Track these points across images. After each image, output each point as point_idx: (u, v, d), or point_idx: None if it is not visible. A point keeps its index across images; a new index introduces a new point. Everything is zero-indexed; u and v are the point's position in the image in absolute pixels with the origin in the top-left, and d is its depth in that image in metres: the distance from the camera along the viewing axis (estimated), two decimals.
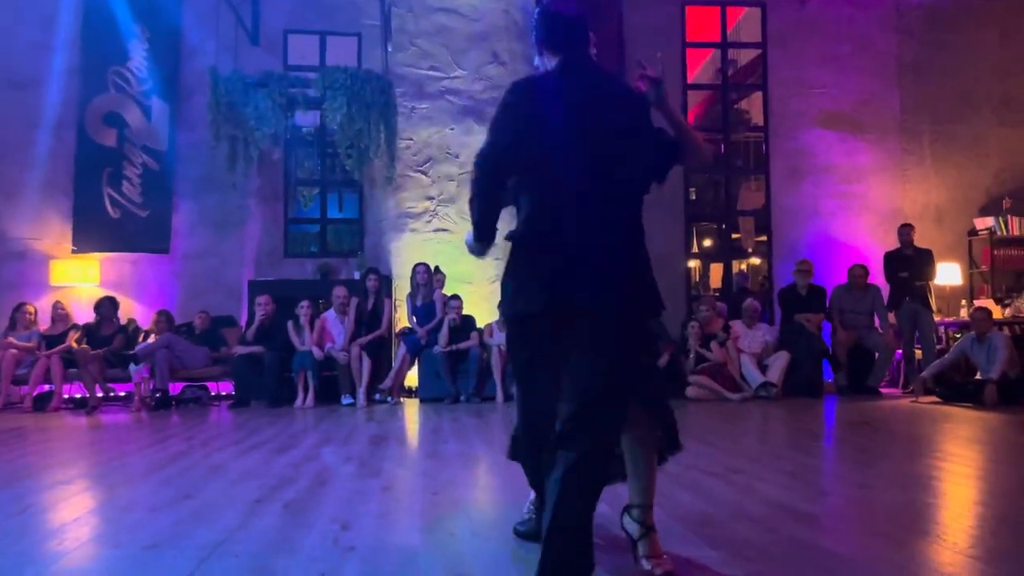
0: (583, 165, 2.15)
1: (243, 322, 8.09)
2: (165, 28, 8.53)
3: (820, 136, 9.11)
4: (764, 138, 9.29)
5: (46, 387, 7.47)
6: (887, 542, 2.63)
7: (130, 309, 8.24)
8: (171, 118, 8.51)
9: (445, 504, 3.22)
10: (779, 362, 7.65)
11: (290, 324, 7.70)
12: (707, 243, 11.67)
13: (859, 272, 8.16)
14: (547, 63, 2.32)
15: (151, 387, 7.41)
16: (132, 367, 7.41)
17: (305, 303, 7.74)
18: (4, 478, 3.85)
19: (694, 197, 9.38)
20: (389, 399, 7.60)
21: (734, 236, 9.76)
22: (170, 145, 8.49)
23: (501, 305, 2.32)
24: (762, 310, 8.43)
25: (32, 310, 7.71)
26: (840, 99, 9.14)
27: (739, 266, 10.56)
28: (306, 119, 8.61)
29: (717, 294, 9.69)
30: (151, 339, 7.59)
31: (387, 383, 7.67)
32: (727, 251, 9.81)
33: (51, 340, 7.60)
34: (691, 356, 7.70)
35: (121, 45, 8.44)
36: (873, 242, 8.85)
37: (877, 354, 7.94)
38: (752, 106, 10.21)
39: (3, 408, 7.21)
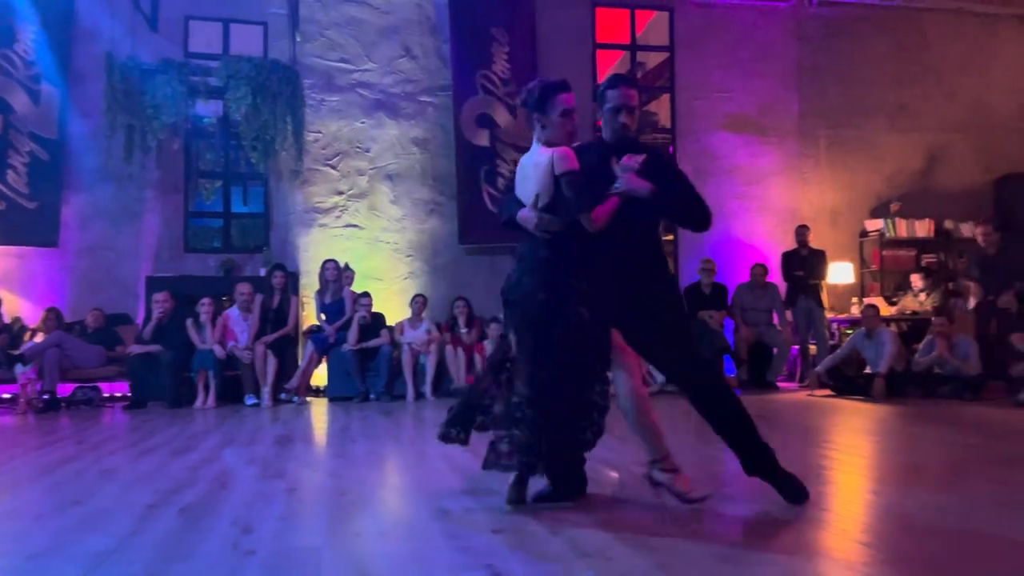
0: None
1: (140, 320, 7.74)
2: (57, 10, 8.08)
3: (724, 139, 9.41)
4: (671, 140, 9.52)
5: None
6: (782, 528, 2.73)
7: (16, 306, 7.77)
8: (62, 105, 8.05)
9: (352, 505, 3.16)
10: None
11: (190, 322, 7.41)
12: None
13: (759, 271, 8.47)
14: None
15: (38, 388, 6.99)
16: (18, 368, 6.98)
17: (207, 300, 7.47)
18: None
19: None
20: (295, 399, 7.42)
21: None
22: (61, 133, 8.04)
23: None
24: None
25: None
26: (743, 103, 9.47)
27: None
28: (208, 109, 8.31)
29: None
30: (38, 338, 7.17)
31: (293, 382, 7.49)
32: None
33: None
34: None
35: (8, 26, 7.94)
36: (772, 242, 9.20)
37: (775, 350, 8.27)
38: (661, 108, 10.44)
39: None
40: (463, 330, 8.04)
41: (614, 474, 3.62)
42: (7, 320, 7.47)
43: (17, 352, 7.08)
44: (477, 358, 7.77)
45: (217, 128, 8.49)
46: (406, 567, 2.32)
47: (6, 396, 7.38)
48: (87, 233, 8.14)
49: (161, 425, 5.85)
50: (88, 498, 3.26)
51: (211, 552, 2.47)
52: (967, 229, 9.55)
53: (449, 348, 7.80)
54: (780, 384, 8.22)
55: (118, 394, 7.65)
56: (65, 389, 7.25)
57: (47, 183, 7.98)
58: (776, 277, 8.65)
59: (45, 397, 6.91)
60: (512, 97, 8.88)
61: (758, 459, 3.10)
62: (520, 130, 8.85)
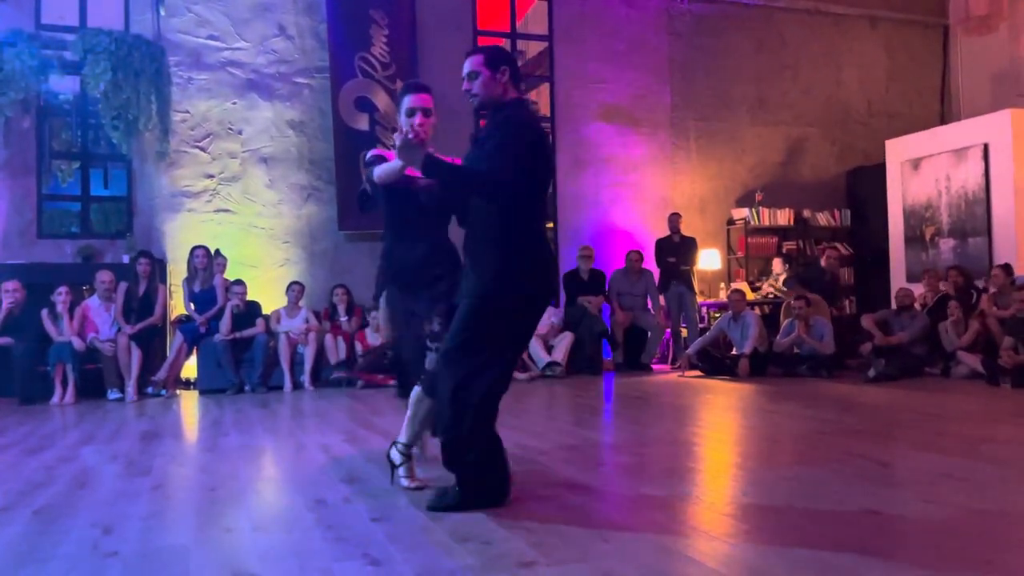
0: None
1: None
2: None
3: (600, 128, 9.62)
4: (551, 129, 9.65)
5: None
6: (655, 505, 2.84)
7: None
8: None
9: (223, 500, 3.05)
10: (564, 342, 8.03)
11: (45, 312, 6.92)
12: None
13: (635, 257, 8.74)
14: (507, 91, 2.93)
15: None
16: None
17: (63, 289, 6.99)
18: None
19: None
20: (163, 392, 7.08)
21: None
22: None
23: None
24: None
25: None
26: (618, 93, 9.71)
27: None
28: (63, 85, 7.75)
29: None
30: None
31: (161, 375, 7.14)
32: None
33: None
34: None
35: None
36: (647, 229, 9.51)
37: (649, 333, 8.58)
38: (540, 97, 10.56)
39: None
40: (343, 318, 7.89)
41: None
42: None
43: None
44: (358, 346, 7.65)
45: (73, 105, 7.93)
46: (281, 560, 2.26)
47: None
48: None
49: (12, 423, 5.45)
50: None
51: (69, 555, 2.33)
52: (823, 218, 10.22)
53: (329, 337, 7.64)
54: (654, 366, 8.54)
55: None
56: None
57: None
58: (651, 263, 8.96)
59: None
60: (392, 81, 8.75)
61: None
62: None
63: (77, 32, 7.67)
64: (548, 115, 9.65)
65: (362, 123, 8.64)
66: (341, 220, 8.58)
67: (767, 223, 9.85)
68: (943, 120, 10.74)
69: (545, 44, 9.77)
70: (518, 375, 7.66)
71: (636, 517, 2.71)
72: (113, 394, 6.82)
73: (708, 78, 10.04)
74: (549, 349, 8.03)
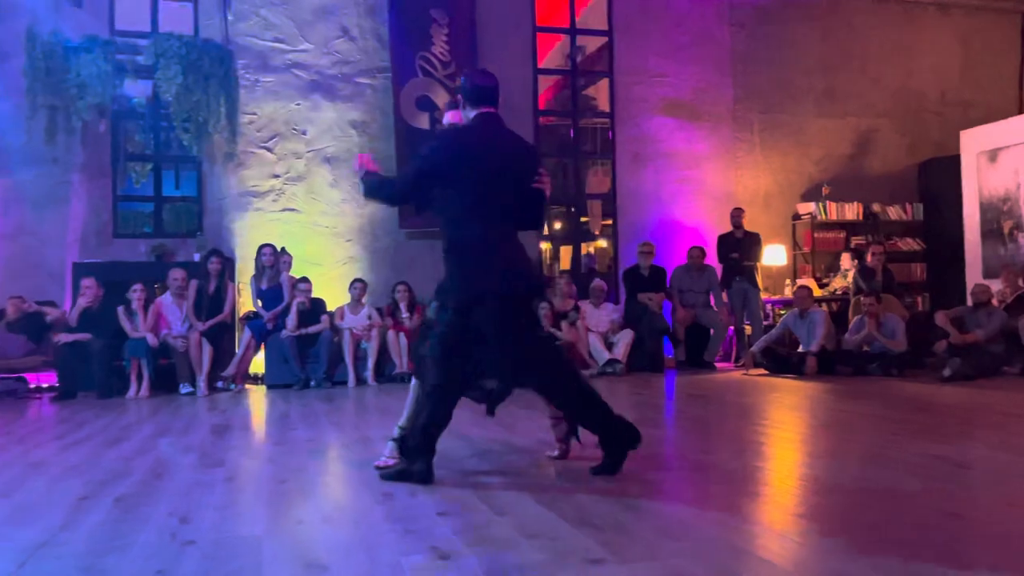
0: (492, 194, 3.15)
1: (67, 308, 7.46)
2: None
3: (661, 123, 9.51)
4: (610, 124, 9.59)
5: None
6: (722, 504, 2.80)
7: None
8: None
9: (293, 492, 3.12)
10: (624, 340, 7.97)
11: (121, 309, 7.18)
12: (557, 226, 11.93)
13: (696, 253, 8.62)
14: (468, 113, 3.27)
15: None
16: None
17: (138, 286, 7.24)
18: None
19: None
20: (232, 386, 7.27)
21: (583, 219, 10.04)
22: None
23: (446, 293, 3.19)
24: (608, 290, 8.74)
25: None
26: (679, 87, 9.58)
27: (587, 248, 10.87)
28: (136, 89, 8.02)
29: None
30: None
31: (230, 370, 7.33)
32: (576, 234, 10.09)
33: None
34: None
35: None
36: (709, 224, 9.37)
37: (712, 331, 8.44)
38: (599, 93, 10.49)
39: None
40: (404, 315, 7.98)
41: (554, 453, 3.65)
42: None
43: None
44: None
45: (146, 109, 8.20)
46: (351, 553, 2.30)
47: None
48: (8, 218, 7.80)
49: (91, 416, 5.67)
50: (15, 491, 3.15)
51: (148, 543, 2.41)
52: (894, 212, 9.91)
53: (391, 333, 7.74)
54: (717, 364, 8.41)
55: (45, 385, 7.37)
56: None
57: None
58: (713, 259, 8.83)
59: None
60: (452, 79, 8.81)
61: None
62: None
63: (149, 37, 7.94)
64: (607, 110, 9.59)
65: (423, 122, 8.72)
66: (402, 218, 8.69)
67: (835, 218, 9.60)
68: (1022, 109, 10.30)
69: (604, 39, 9.70)
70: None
71: (704, 516, 2.67)
72: (185, 388, 7.04)
73: (772, 69, 9.83)
74: (609, 347, 7.98)
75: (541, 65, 9.62)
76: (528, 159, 3.33)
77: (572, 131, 9.73)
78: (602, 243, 11.55)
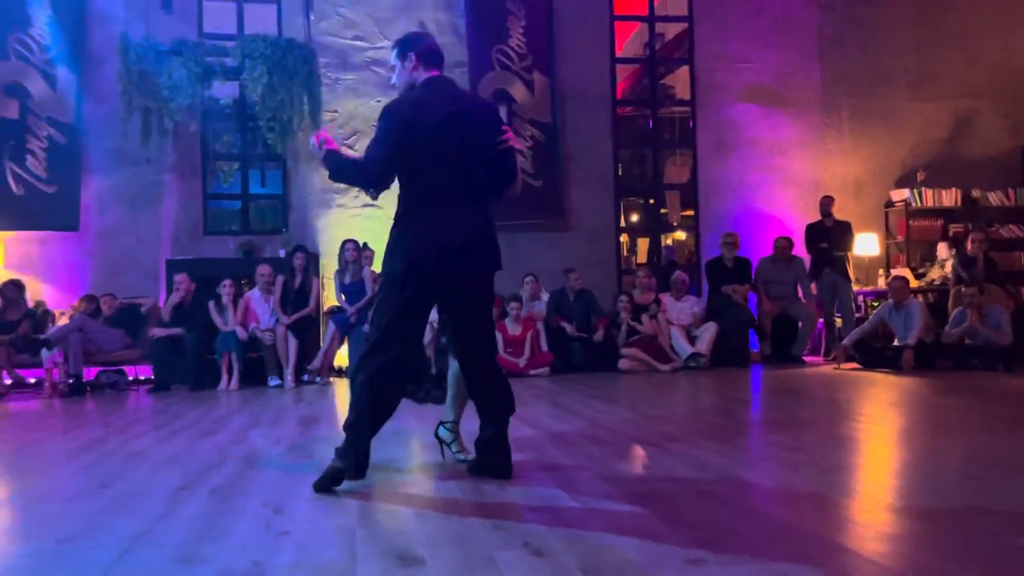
0: (455, 163, 3.00)
1: (162, 304, 7.74)
2: None
3: (745, 110, 9.24)
4: (690, 112, 9.37)
5: None
6: (819, 502, 2.67)
7: (38, 291, 7.80)
8: (78, 88, 8.02)
9: (382, 483, 3.13)
10: (707, 333, 7.78)
11: (212, 304, 7.41)
12: (634, 218, 11.77)
13: (783, 244, 8.34)
14: (417, 75, 3.09)
15: (64, 372, 7.01)
16: (44, 352, 7.01)
17: (227, 282, 7.45)
18: None
19: (621, 172, 9.40)
20: (318, 379, 7.41)
21: (662, 211, 9.87)
22: (78, 117, 8.01)
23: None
24: (690, 282, 8.56)
25: None
26: (763, 73, 9.29)
27: (666, 240, 10.68)
28: (224, 90, 8.25)
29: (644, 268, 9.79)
30: (61, 322, 7.19)
31: (316, 363, 7.48)
32: (654, 225, 9.92)
33: None
34: (623, 329, 7.75)
35: (22, 10, 7.90)
36: (796, 214, 9.06)
37: (800, 323, 8.16)
38: (677, 81, 10.27)
39: None
40: None
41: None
42: (30, 305, 7.49)
43: (42, 337, 7.10)
44: (499, 336, 7.71)
45: (233, 109, 8.44)
46: (444, 545, 2.28)
47: (32, 380, 7.41)
48: (106, 217, 8.14)
49: (185, 408, 5.85)
50: (117, 481, 3.25)
51: (244, 532, 2.44)
52: (995, 197, 9.37)
53: None
54: (805, 358, 8.12)
55: (142, 377, 7.67)
56: (90, 373, 7.27)
57: (65, 167, 7.97)
58: (800, 250, 8.53)
59: (70, 381, 6.93)
60: (529, 72, 8.76)
61: None
62: (538, 104, 8.75)
63: (236, 39, 8.15)
64: (688, 98, 9.38)
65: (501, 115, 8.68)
66: None
67: (930, 204, 9.15)
68: None
69: (684, 25, 9.49)
70: (660, 366, 7.50)
71: (802, 514, 2.55)
72: (273, 381, 7.21)
73: (862, 52, 9.42)
74: (692, 340, 7.81)
75: (619, 54, 9.48)
76: (490, 119, 3.12)
77: (651, 121, 9.55)
78: (681, 235, 11.34)
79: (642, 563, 2.08)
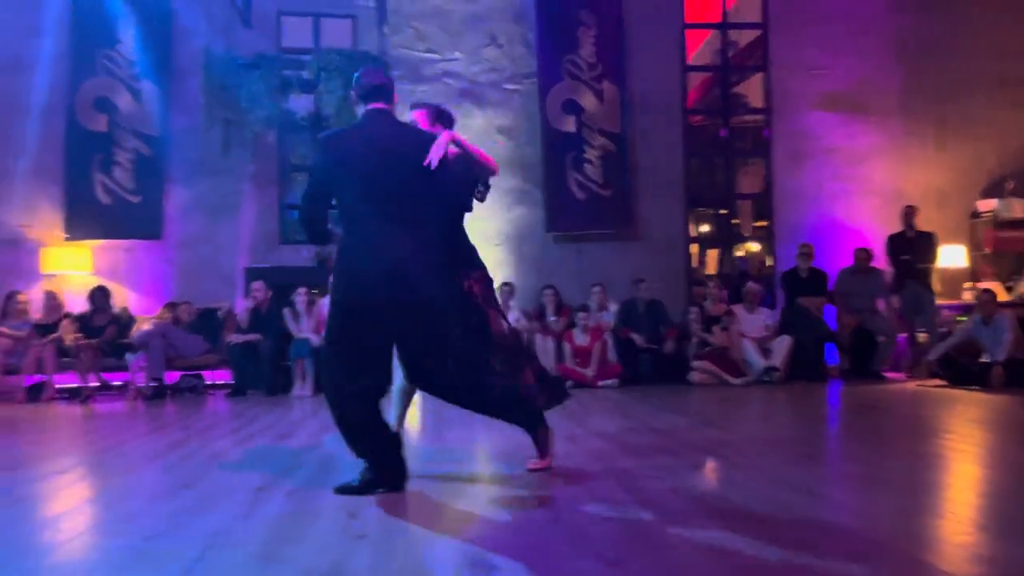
0: (381, 193, 3.02)
1: (238, 310, 7.96)
2: (156, 10, 8.35)
3: (821, 118, 9.00)
4: (765, 121, 9.19)
5: (39, 377, 7.33)
6: (900, 518, 2.56)
7: (123, 297, 8.11)
8: (163, 101, 8.34)
9: (453, 490, 3.13)
10: (782, 346, 7.58)
11: (287, 311, 7.58)
12: (705, 228, 11.59)
13: (863, 255, 8.08)
14: (358, 109, 3.16)
15: (147, 376, 7.27)
16: (129, 356, 7.29)
17: (302, 290, 7.63)
18: None
19: (691, 182, 9.27)
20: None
21: (733, 221, 9.69)
22: (162, 129, 8.32)
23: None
24: (763, 294, 8.36)
25: (23, 299, 7.56)
26: (841, 79, 9.03)
27: (738, 251, 10.47)
28: (300, 102, 8.46)
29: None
30: (144, 327, 7.46)
31: None
32: (725, 236, 9.74)
33: (43, 329, 7.46)
34: (694, 341, 7.62)
35: (111, 27, 8.27)
36: (876, 225, 8.75)
37: (881, 338, 7.87)
38: (750, 89, 10.08)
39: None
40: (551, 318, 7.96)
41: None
42: (116, 311, 7.80)
43: (126, 341, 7.39)
44: (566, 347, 7.67)
45: (308, 121, 8.64)
46: (516, 553, 2.25)
47: (117, 384, 7.71)
48: (188, 226, 8.42)
49: (262, 412, 5.99)
50: (198, 481, 3.34)
51: (321, 534, 2.47)
52: None
53: (539, 336, 7.74)
54: (886, 374, 7.82)
55: (220, 382, 7.89)
56: (171, 377, 7.52)
57: (150, 178, 8.28)
58: (881, 261, 8.24)
59: (153, 385, 7.19)
60: (599, 81, 8.73)
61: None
62: (607, 114, 8.70)
63: (312, 53, 8.36)
64: (762, 106, 9.20)
65: (569, 125, 8.69)
66: (549, 222, 8.69)
67: (1020, 215, 8.72)
68: None
69: (758, 32, 9.31)
70: (732, 380, 7.35)
71: (881, 530, 2.44)
72: None
73: (944, 56, 9.06)
74: (766, 353, 7.62)
75: (690, 62, 9.36)
76: (424, 147, 3.07)
77: (723, 130, 9.39)
78: (754, 246, 11.10)
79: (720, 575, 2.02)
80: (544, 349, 7.68)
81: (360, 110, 3.16)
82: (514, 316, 7.84)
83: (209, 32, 8.34)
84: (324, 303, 7.70)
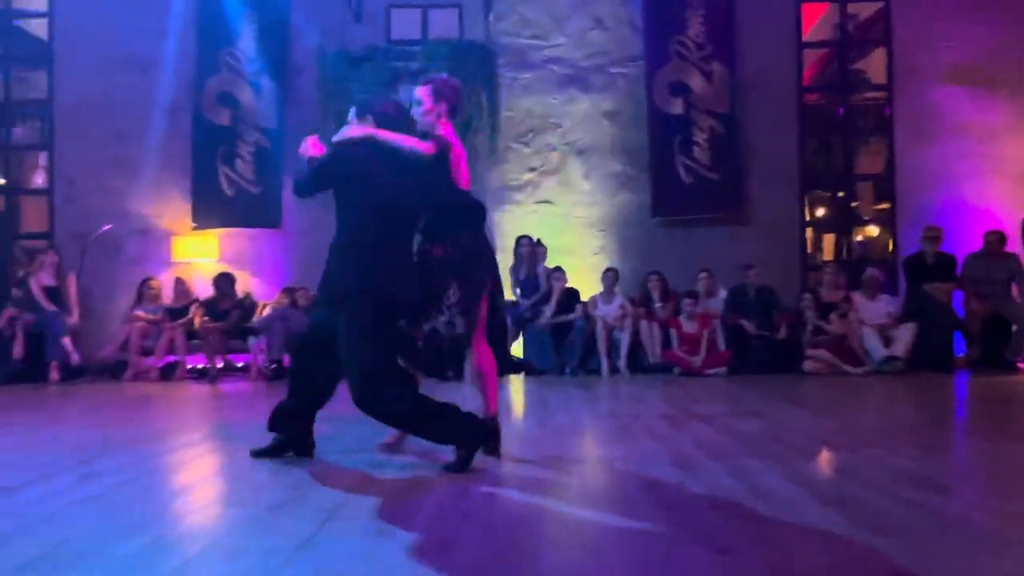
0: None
1: None
2: (273, 9, 8.71)
3: (948, 94, 8.47)
4: (886, 98, 8.73)
5: (171, 358, 7.83)
6: None
7: (246, 283, 8.53)
8: (280, 96, 8.70)
9: (558, 475, 3.15)
10: (905, 334, 7.21)
11: None
12: (821, 211, 11.12)
13: (995, 239, 7.59)
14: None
15: (268, 358, 7.64)
16: (251, 339, 7.69)
17: None
18: (132, 441, 4.02)
19: (807, 164, 8.90)
20: None
21: (852, 204, 9.26)
22: (280, 122, 8.68)
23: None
24: (884, 280, 7.97)
25: (156, 285, 8.10)
26: (970, 52, 8.46)
27: (857, 235, 10.00)
28: (408, 93, 8.63)
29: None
30: (266, 312, 7.84)
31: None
32: (843, 219, 9.33)
33: (174, 313, 7.96)
34: (808, 328, 7.36)
35: (232, 28, 8.68)
36: (1010, 206, 8.19)
37: (1015, 326, 7.36)
38: (871, 64, 9.57)
39: (132, 377, 7.61)
40: (657, 304, 7.86)
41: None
42: (239, 296, 8.22)
43: (249, 325, 7.79)
44: (673, 333, 7.55)
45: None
46: (623, 539, 2.25)
47: (240, 365, 8.14)
48: (304, 215, 8.74)
49: None
50: (317, 456, 3.48)
51: (430, 512, 2.54)
52: None
53: (644, 323, 7.65)
54: (1021, 364, 7.31)
55: None
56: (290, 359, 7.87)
57: (269, 169, 8.67)
58: (1015, 245, 7.70)
59: (273, 366, 7.55)
60: (707, 62, 8.51)
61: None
62: (716, 95, 8.48)
63: (420, 44, 8.52)
64: (883, 83, 8.73)
65: (677, 107, 8.52)
66: (654, 207, 8.56)
67: None
68: None
69: (879, 5, 8.84)
70: (850, 369, 7.06)
71: (1011, 527, 2.29)
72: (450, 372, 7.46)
73: None
74: (887, 341, 7.26)
75: (805, 38, 8.98)
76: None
77: (841, 108, 8.98)
78: (874, 229, 10.57)
79: (837, 568, 1.95)
80: (650, 336, 7.59)
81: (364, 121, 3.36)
82: (619, 302, 7.78)
83: (323, 28, 8.63)
84: None
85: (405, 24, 8.76)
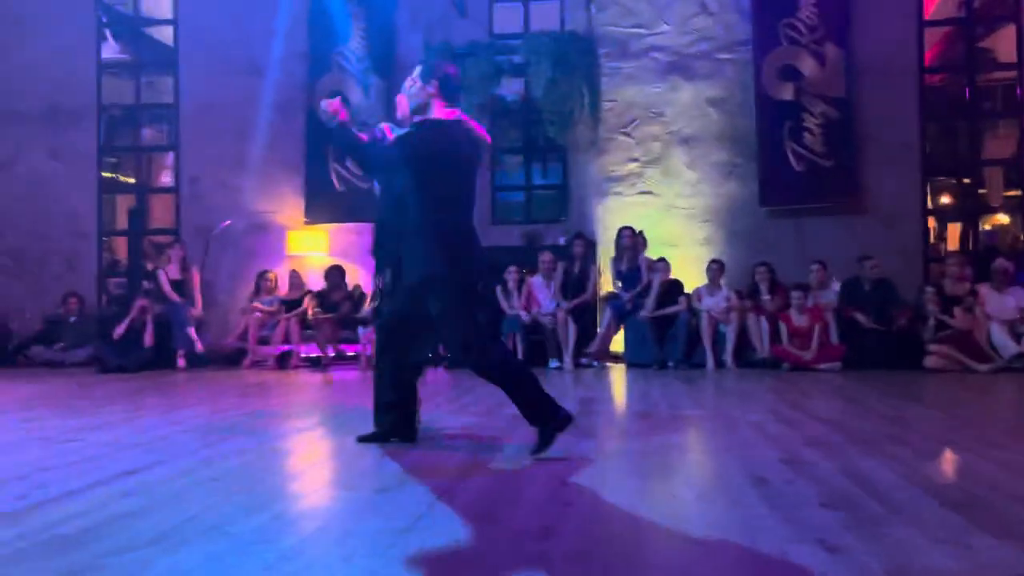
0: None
1: None
2: (380, 9, 8.94)
3: None
4: (1017, 78, 8.16)
5: (286, 347, 8.19)
6: None
7: (355, 276, 8.81)
8: (387, 94, 8.91)
9: (662, 466, 3.12)
10: None
11: (499, 289, 7.88)
12: (944, 199, 10.51)
13: None
14: (436, 108, 3.40)
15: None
16: (360, 330, 7.95)
17: (512, 269, 7.89)
18: (250, 425, 4.23)
19: (929, 149, 8.42)
20: (595, 363, 7.57)
21: (980, 191, 8.71)
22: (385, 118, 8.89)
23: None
24: (1015, 272, 7.46)
25: (273, 277, 8.49)
26: None
27: (985, 224, 9.40)
28: (510, 86, 8.70)
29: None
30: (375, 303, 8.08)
31: (593, 347, 7.65)
32: (969, 208, 8.79)
33: (289, 304, 8.32)
34: (930, 323, 6.98)
35: (341, 27, 8.96)
36: None
37: None
38: (997, 44, 8.96)
39: (250, 365, 8.01)
40: (765, 297, 7.63)
41: None
42: (349, 288, 8.51)
43: (358, 316, 8.05)
44: (782, 327, 7.32)
45: (518, 104, 8.86)
46: (730, 533, 2.21)
47: (350, 354, 8.42)
48: None
49: (478, 383, 6.23)
50: (423, 442, 3.58)
51: (534, 499, 2.57)
52: None
53: (751, 316, 7.45)
54: None
55: (441, 354, 8.35)
56: None
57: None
58: None
59: None
60: (820, 44, 8.18)
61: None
62: (830, 78, 8.14)
63: (522, 38, 8.56)
64: (1012, 62, 8.16)
65: (787, 93, 8.24)
66: (763, 196, 8.31)
67: None
68: None
69: None
70: (977, 366, 6.66)
71: None
72: (553, 363, 7.51)
73: None
74: (1018, 337, 6.80)
75: (928, 16, 8.49)
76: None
77: (967, 89, 8.45)
78: (1004, 218, 9.92)
79: (957, 573, 1.85)
80: (758, 329, 7.39)
81: (437, 104, 3.38)
82: (724, 294, 7.60)
83: (429, 24, 8.79)
84: (534, 281, 7.91)
85: (507, 18, 8.82)
